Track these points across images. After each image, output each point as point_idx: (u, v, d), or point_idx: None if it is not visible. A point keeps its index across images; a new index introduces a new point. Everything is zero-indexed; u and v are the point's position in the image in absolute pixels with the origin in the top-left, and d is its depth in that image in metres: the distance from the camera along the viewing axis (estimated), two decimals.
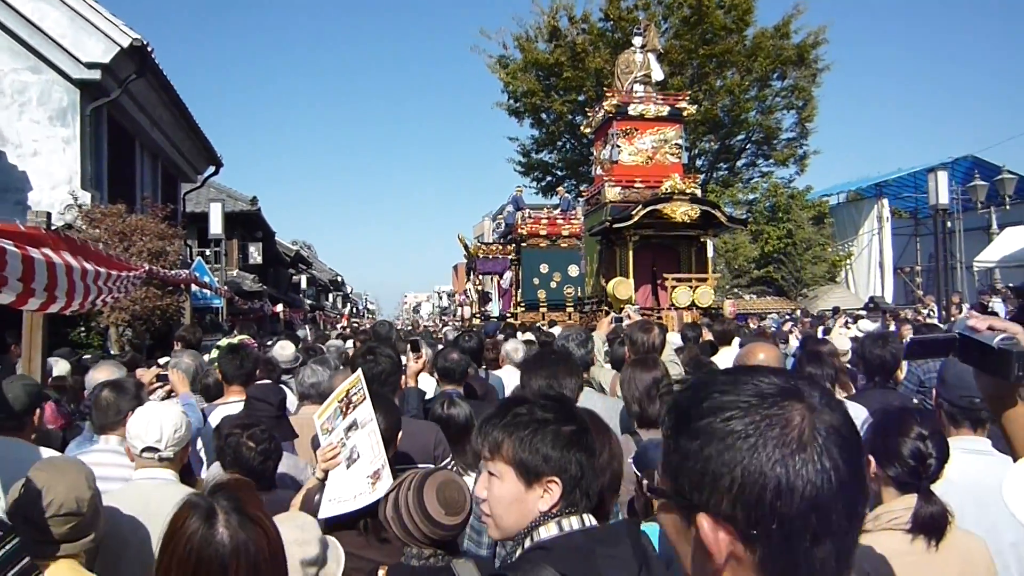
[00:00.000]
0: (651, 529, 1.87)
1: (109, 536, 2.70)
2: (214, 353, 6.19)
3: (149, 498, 2.93)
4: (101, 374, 4.87)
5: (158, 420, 3.06)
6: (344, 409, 2.98)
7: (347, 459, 2.85)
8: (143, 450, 3.03)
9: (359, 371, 3.12)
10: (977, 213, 23.61)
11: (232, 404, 4.83)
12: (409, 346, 4.44)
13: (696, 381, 1.03)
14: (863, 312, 15.11)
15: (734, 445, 0.90)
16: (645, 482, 2.87)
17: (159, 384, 4.88)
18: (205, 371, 5.91)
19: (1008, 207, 21.81)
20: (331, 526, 2.70)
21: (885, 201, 30.54)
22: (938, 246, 13.10)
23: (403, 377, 4.24)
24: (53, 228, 5.41)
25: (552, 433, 1.77)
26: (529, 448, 1.76)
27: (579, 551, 1.66)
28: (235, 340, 8.57)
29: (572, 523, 1.74)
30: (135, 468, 3.11)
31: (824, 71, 30.66)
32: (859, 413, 3.27)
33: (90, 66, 11.36)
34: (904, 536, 2.17)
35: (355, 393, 2.97)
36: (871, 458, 2.26)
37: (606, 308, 15.80)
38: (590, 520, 1.79)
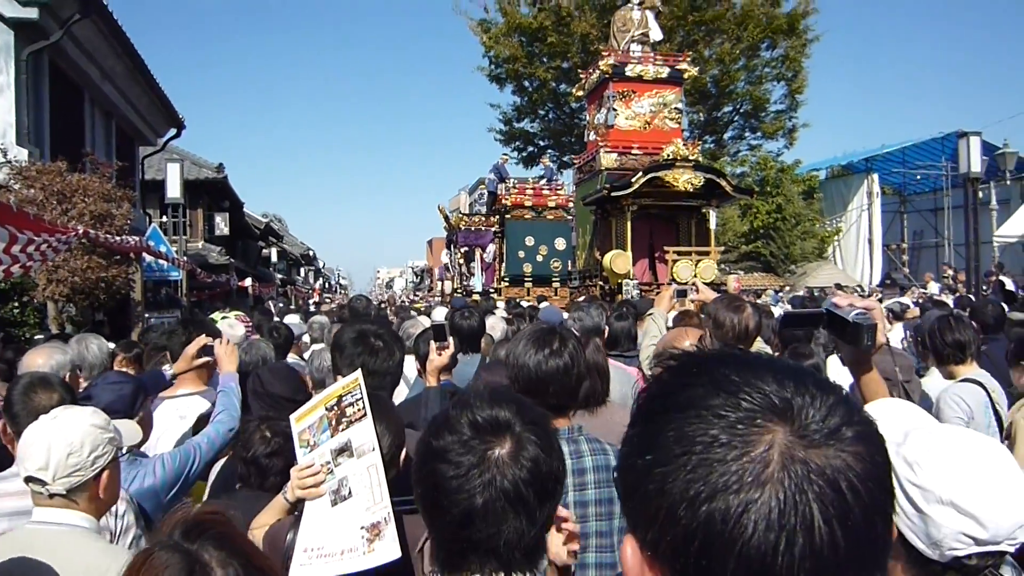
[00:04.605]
0: None
1: None
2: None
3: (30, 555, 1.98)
4: (38, 358, 3.81)
5: (45, 440, 2.08)
6: (333, 422, 2.10)
7: (333, 492, 2.03)
8: (26, 480, 2.11)
9: (358, 372, 2.15)
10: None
11: None
12: (432, 333, 3.28)
13: (675, 367, 0.78)
14: (878, 288, 14.23)
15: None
16: None
17: (203, 360, 3.76)
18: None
19: (1008, 182, 21.19)
20: None
21: (875, 176, 29.89)
22: (968, 217, 12.14)
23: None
24: None
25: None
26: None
27: None
28: (229, 315, 7.38)
29: None
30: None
31: (814, 41, 29.74)
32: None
33: (26, 3, 9.96)
34: None
35: (350, 403, 2.09)
36: None
37: (600, 283, 14.84)
38: None
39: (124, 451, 2.37)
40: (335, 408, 2.11)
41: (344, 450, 2.04)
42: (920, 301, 10.74)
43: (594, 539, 2.30)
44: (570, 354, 2.41)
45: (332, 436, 2.08)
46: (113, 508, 2.51)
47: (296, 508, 2.15)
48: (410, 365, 5.13)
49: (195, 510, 1.31)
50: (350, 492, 1.99)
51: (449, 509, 1.31)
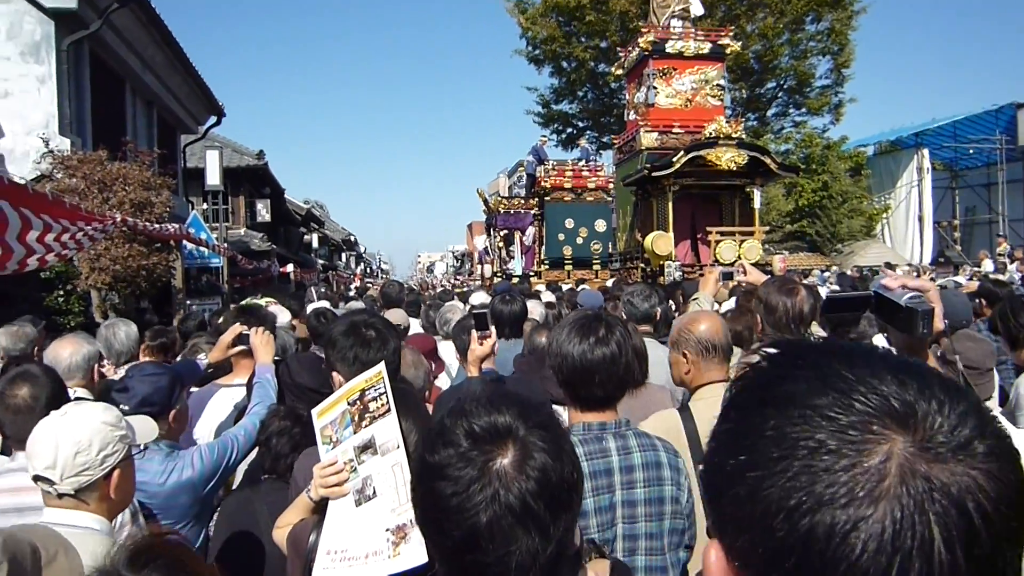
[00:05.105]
0: None
1: None
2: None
3: None
4: (66, 349, 3.72)
5: (53, 437, 1.98)
6: (356, 417, 1.96)
7: (357, 492, 1.90)
8: (34, 479, 2.04)
9: (381, 365, 1.98)
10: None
11: None
12: (474, 322, 3.16)
13: (774, 355, 0.71)
14: (930, 267, 13.82)
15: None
16: None
17: (239, 349, 3.67)
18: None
19: None
20: None
21: (925, 151, 29.04)
22: None
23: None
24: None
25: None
26: None
27: None
28: (260, 302, 7.35)
29: None
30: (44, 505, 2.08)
31: (860, 13, 28.87)
32: None
33: None
34: None
35: (373, 397, 1.94)
36: None
37: (641, 265, 14.61)
38: None
39: (140, 448, 2.28)
40: (358, 403, 1.97)
41: (368, 447, 1.91)
42: (977, 280, 10.36)
43: (643, 541, 2.13)
44: (617, 342, 2.22)
45: (355, 432, 1.95)
46: None
47: (320, 507, 2.04)
48: (451, 352, 5.02)
49: (144, 536, 1.20)
50: (374, 492, 1.86)
51: (451, 531, 1.16)
